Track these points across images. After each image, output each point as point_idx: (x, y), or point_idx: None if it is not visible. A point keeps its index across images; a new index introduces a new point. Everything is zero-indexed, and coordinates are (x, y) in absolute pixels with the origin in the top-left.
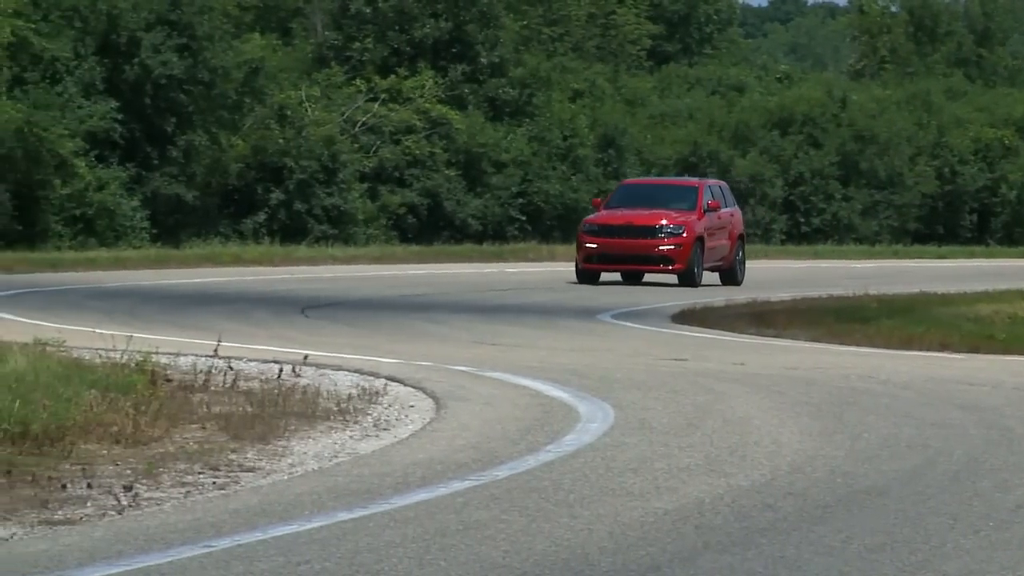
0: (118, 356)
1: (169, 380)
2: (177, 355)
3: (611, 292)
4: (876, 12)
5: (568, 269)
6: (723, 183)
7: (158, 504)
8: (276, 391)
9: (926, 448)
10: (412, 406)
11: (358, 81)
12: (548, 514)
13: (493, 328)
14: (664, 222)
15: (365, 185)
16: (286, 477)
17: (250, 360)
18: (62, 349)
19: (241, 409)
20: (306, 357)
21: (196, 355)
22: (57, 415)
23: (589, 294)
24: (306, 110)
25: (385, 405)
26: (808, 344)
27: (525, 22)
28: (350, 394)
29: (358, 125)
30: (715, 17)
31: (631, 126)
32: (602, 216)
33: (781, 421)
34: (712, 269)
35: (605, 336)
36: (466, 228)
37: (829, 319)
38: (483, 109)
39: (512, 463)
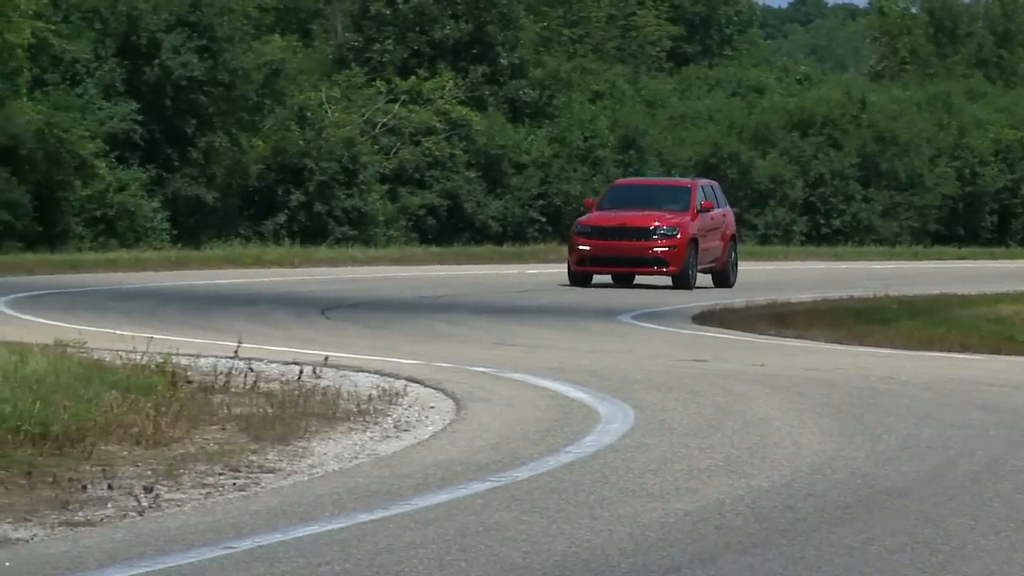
0: (138, 357)
1: (189, 381)
2: (197, 356)
3: (631, 293)
4: (896, 13)
5: None
6: (715, 183)
7: (178, 505)
8: (296, 392)
9: (946, 449)
10: (432, 407)
11: (378, 82)
12: (568, 515)
13: (513, 329)
14: (657, 223)
15: (385, 186)
16: (306, 478)
17: (270, 361)
18: (83, 350)
19: (261, 410)
20: (326, 358)
21: (216, 356)
22: (78, 416)
23: (608, 295)
24: (326, 111)
25: (405, 406)
26: (828, 345)
27: (545, 23)
28: (370, 395)
29: (378, 126)
30: (735, 18)
31: (651, 127)
32: (595, 217)
33: (801, 422)
34: (705, 271)
35: (625, 337)
36: (486, 229)
37: (849, 320)
38: (503, 110)
39: (532, 464)
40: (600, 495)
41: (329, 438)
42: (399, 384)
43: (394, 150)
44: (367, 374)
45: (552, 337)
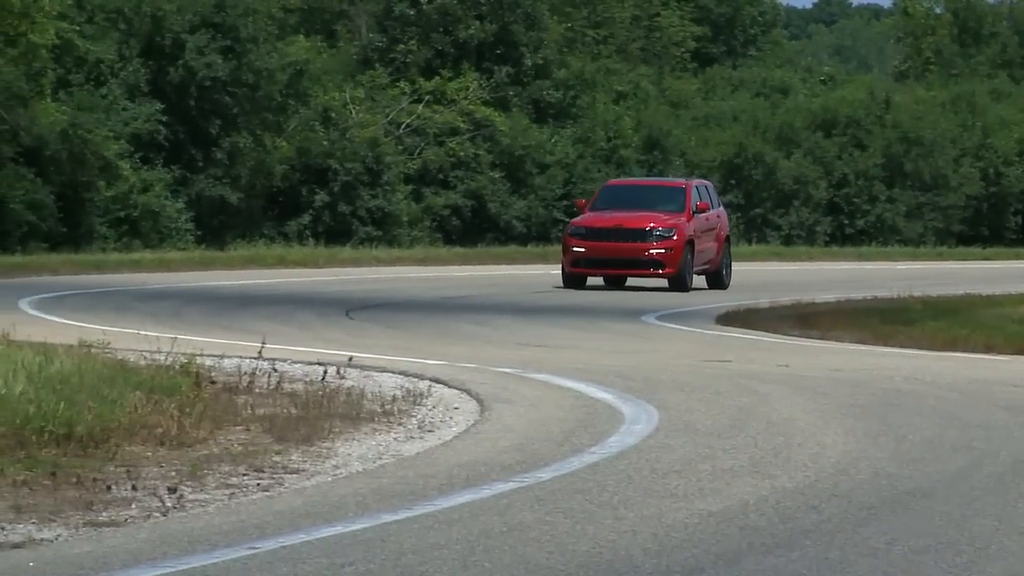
0: (163, 358)
1: (213, 382)
2: (222, 357)
3: (655, 294)
4: (920, 14)
5: None
6: (709, 183)
7: (202, 506)
8: (320, 393)
9: (971, 450)
10: (456, 408)
11: (402, 83)
12: (592, 516)
13: (537, 330)
14: (653, 225)
15: (409, 187)
16: (330, 479)
17: (294, 362)
18: (107, 351)
19: (285, 411)
20: (350, 359)
21: (240, 357)
22: (102, 417)
23: (633, 296)
24: (350, 112)
25: (429, 407)
26: (852, 346)
27: (569, 24)
28: (394, 396)
29: (402, 127)
30: (759, 19)
31: (675, 128)
32: (589, 218)
33: (825, 423)
34: (699, 272)
35: (649, 337)
36: (510, 230)
37: (874, 321)
38: (527, 111)
39: (556, 465)
40: (624, 496)
41: (353, 439)
42: (423, 385)
43: (418, 150)
44: (391, 375)
45: (576, 338)
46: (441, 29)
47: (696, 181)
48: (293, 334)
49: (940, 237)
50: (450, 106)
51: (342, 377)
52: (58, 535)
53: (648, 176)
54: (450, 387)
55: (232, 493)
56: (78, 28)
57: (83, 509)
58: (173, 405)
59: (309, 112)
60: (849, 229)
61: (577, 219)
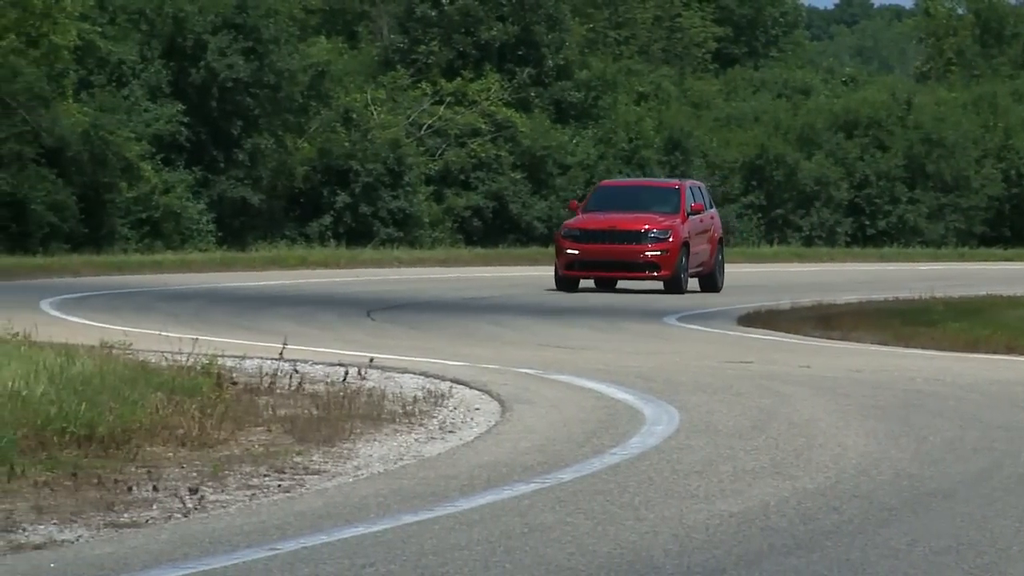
0: (184, 359)
1: (235, 383)
2: (243, 358)
3: (676, 295)
4: (942, 14)
5: None
6: (702, 184)
7: (223, 507)
8: (341, 394)
9: (992, 451)
10: (477, 409)
11: (423, 84)
12: (613, 517)
13: (558, 331)
14: (648, 226)
15: (430, 188)
16: (351, 480)
17: (315, 363)
18: (128, 352)
19: (306, 412)
20: (371, 360)
21: (262, 358)
22: (123, 418)
23: (654, 296)
24: (372, 113)
25: (450, 408)
26: (874, 347)
27: (591, 25)
28: (415, 397)
29: (423, 128)
30: (781, 20)
31: (697, 129)
32: (583, 220)
33: (846, 424)
34: (692, 275)
35: (671, 339)
36: (531, 230)
37: (895, 322)
38: (548, 112)
39: (577, 466)
40: (645, 497)
41: (374, 440)
42: (444, 386)
43: (439, 151)
44: (412, 376)
45: (597, 339)
46: (463, 30)
47: (690, 182)
48: (314, 335)
49: (962, 238)
50: (471, 107)
51: (363, 378)
52: (79, 536)
53: (641, 176)
54: (471, 388)
55: (253, 494)
56: (100, 29)
57: (104, 510)
58: (194, 406)
59: (331, 113)
60: (870, 230)
61: (570, 220)
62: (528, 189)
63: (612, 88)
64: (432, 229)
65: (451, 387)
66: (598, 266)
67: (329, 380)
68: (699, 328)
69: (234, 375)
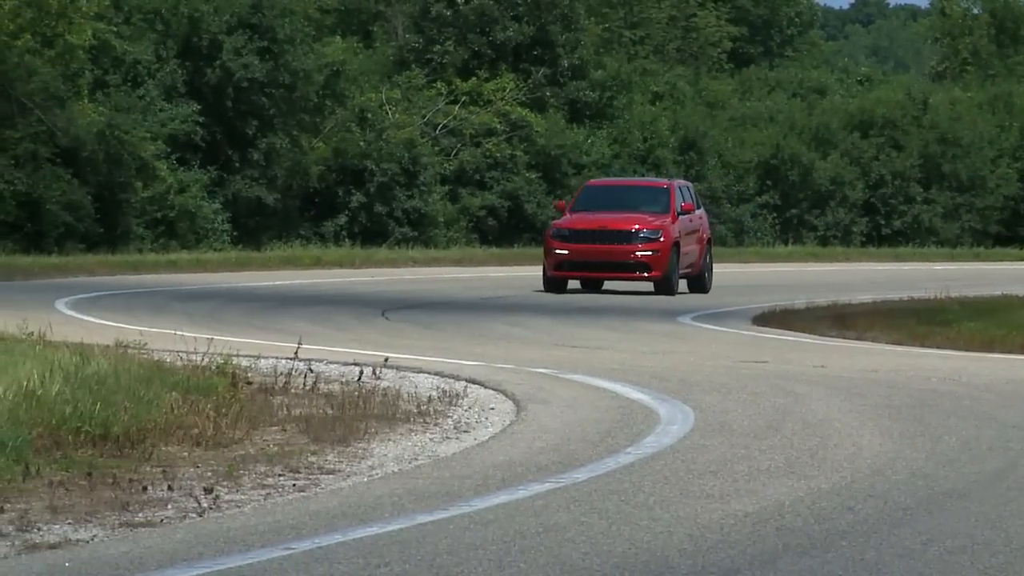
0: (199, 359)
1: (250, 383)
2: (258, 357)
3: (690, 295)
4: (958, 14)
5: None
6: (689, 183)
7: (238, 506)
8: (356, 393)
9: (1007, 451)
10: (492, 408)
11: (439, 84)
12: (628, 516)
13: (573, 331)
14: (638, 226)
15: (445, 187)
16: (366, 479)
17: (330, 362)
18: (143, 351)
19: (321, 411)
20: (386, 359)
21: (277, 357)
22: (138, 417)
23: (668, 296)
24: (387, 113)
25: (465, 407)
26: (889, 347)
27: (606, 25)
28: (430, 396)
29: (438, 128)
30: (796, 19)
31: (712, 129)
32: (572, 220)
33: (861, 423)
34: (681, 276)
35: (685, 338)
36: (546, 230)
37: (910, 321)
38: (563, 111)
39: (592, 465)
40: (660, 496)
41: (389, 439)
42: (459, 385)
43: (454, 151)
44: (427, 375)
45: (612, 338)
46: (478, 30)
47: (678, 181)
48: (329, 334)
49: (977, 238)
50: (486, 107)
51: (378, 378)
52: (94, 535)
53: (629, 176)
54: (486, 388)
55: (268, 493)
56: (115, 29)
57: (119, 509)
58: (209, 406)
59: (346, 113)
60: (886, 230)
61: (559, 220)
62: (543, 189)
63: (627, 88)
64: (447, 229)
65: (466, 387)
66: (588, 267)
67: (344, 380)
68: (714, 328)
69: (249, 375)
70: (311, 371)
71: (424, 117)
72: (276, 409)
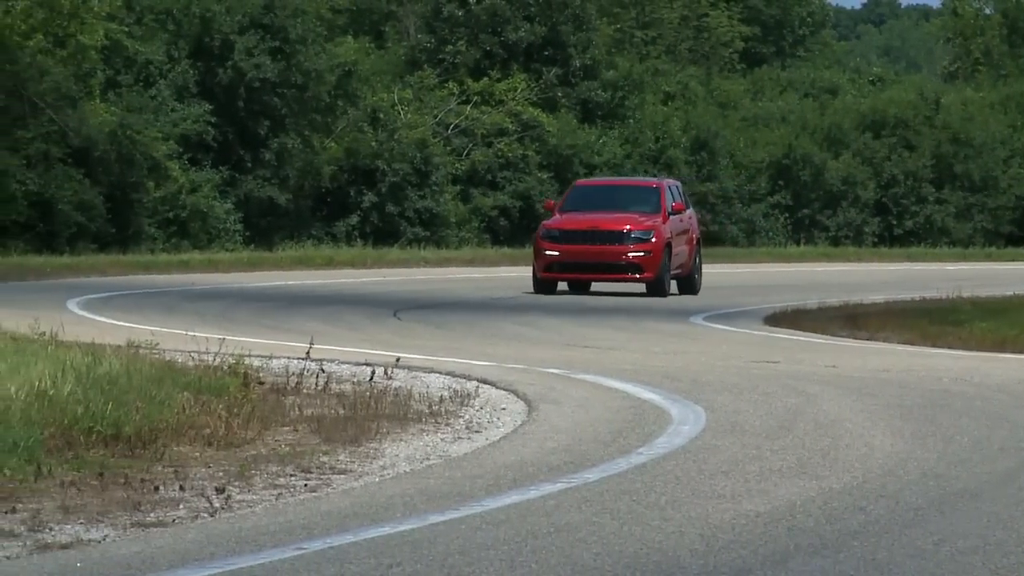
0: (211, 359)
1: (261, 383)
2: (270, 358)
3: (703, 295)
4: (970, 14)
5: None
6: (679, 183)
7: (250, 506)
8: (368, 394)
9: (1019, 451)
10: (504, 408)
11: (450, 84)
12: (639, 517)
13: (584, 331)
14: (630, 227)
15: (457, 187)
16: (378, 479)
17: (342, 362)
18: (155, 351)
19: (333, 411)
20: (398, 359)
21: (288, 358)
22: (150, 417)
23: (679, 296)
24: (398, 113)
25: (477, 407)
26: (901, 347)
27: (618, 25)
28: (442, 396)
29: (450, 128)
30: (808, 19)
31: (723, 129)
32: (563, 221)
33: (873, 424)
34: (671, 276)
35: (697, 338)
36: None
37: (922, 322)
38: (575, 112)
39: (604, 465)
40: (671, 496)
41: (400, 439)
42: (471, 386)
43: (466, 151)
44: (439, 375)
45: (623, 339)
46: (490, 30)
47: (668, 181)
48: (341, 335)
49: (989, 238)
50: (498, 107)
51: (390, 378)
52: (106, 535)
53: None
54: (497, 388)
55: (279, 493)
56: (127, 29)
57: (131, 510)
58: (221, 406)
59: (357, 113)
60: (898, 230)
61: (549, 221)
62: (555, 189)
63: (639, 88)
64: (458, 229)
65: (477, 387)
66: (578, 268)
67: (356, 380)
68: (725, 328)
69: (261, 375)
70: (323, 371)
71: (436, 117)
72: (288, 409)
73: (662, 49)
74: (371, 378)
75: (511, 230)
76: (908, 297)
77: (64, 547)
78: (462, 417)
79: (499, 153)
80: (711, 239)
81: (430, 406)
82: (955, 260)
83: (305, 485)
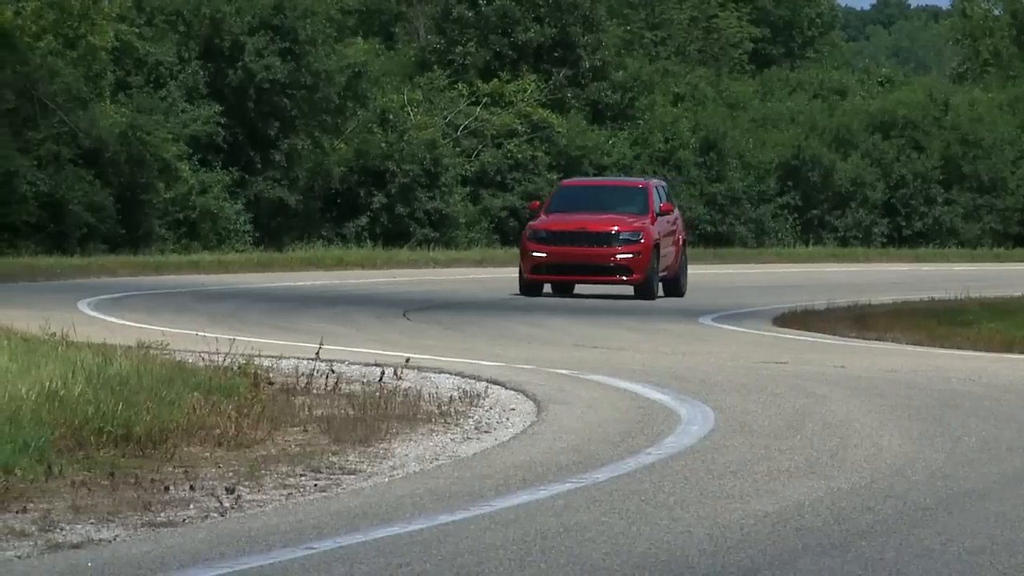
0: (221, 359)
1: (271, 383)
2: (279, 358)
3: (712, 295)
4: (979, 15)
5: None
6: (664, 183)
7: (260, 506)
8: (377, 394)
9: None
10: (513, 409)
11: (460, 85)
12: (648, 516)
13: (593, 331)
14: (617, 228)
15: (467, 188)
16: (387, 479)
17: (352, 363)
18: (165, 352)
19: (343, 412)
20: (407, 360)
21: (298, 358)
22: (160, 417)
23: (690, 297)
24: (408, 114)
25: (486, 408)
26: (909, 347)
27: (627, 26)
28: (451, 397)
29: (460, 129)
30: (817, 20)
31: (733, 129)
32: (550, 222)
33: (881, 424)
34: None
35: (706, 339)
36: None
37: (930, 322)
38: (585, 113)
39: (612, 465)
40: (680, 496)
41: (410, 439)
42: (480, 386)
43: (476, 152)
44: (448, 376)
45: (632, 339)
46: (499, 31)
47: (655, 181)
48: (350, 335)
49: (997, 239)
50: (508, 108)
51: (399, 378)
52: (116, 535)
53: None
54: (507, 388)
55: (289, 493)
56: (137, 30)
57: (141, 509)
58: (231, 406)
59: (367, 114)
60: (906, 231)
61: (536, 222)
62: None
63: (648, 89)
64: (468, 230)
65: (487, 387)
66: (567, 270)
67: (365, 380)
68: (734, 328)
69: (271, 375)
70: (332, 372)
71: (446, 118)
72: (298, 409)
73: (671, 50)
74: (381, 378)
75: (520, 231)
76: (916, 298)
77: (75, 547)
78: (471, 417)
79: (508, 154)
80: (720, 240)
81: (439, 406)
82: (963, 261)
83: (315, 485)
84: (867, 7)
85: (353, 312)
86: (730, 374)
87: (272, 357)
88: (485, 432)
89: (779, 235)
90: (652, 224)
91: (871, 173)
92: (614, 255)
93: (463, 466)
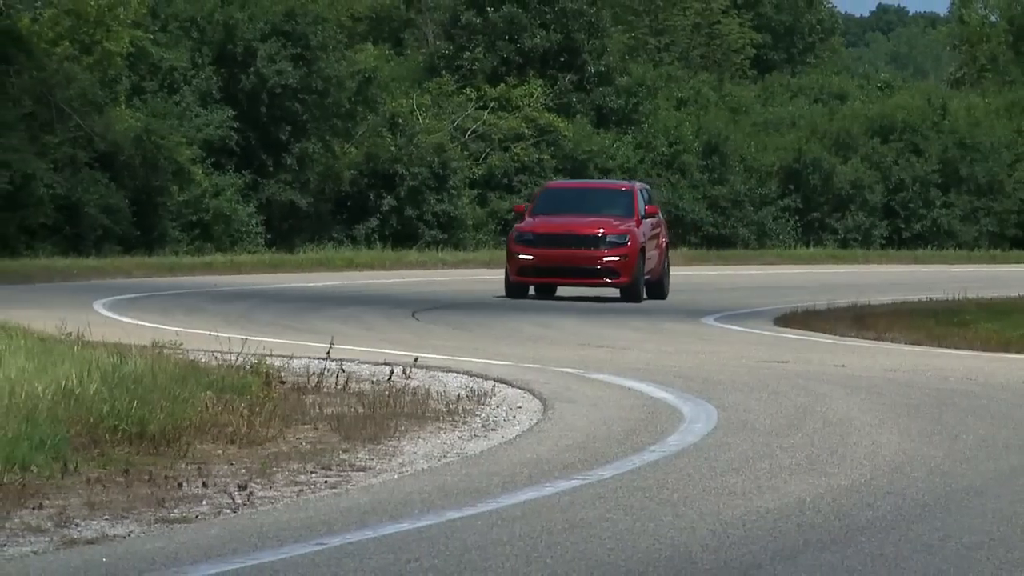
0: (233, 358)
1: (283, 382)
2: (291, 357)
3: (715, 296)
4: (976, 22)
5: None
6: (648, 186)
7: (271, 503)
8: (387, 393)
9: (1023, 449)
10: (520, 407)
11: (468, 90)
12: (652, 513)
13: (599, 331)
14: (603, 231)
15: (474, 191)
16: (396, 476)
17: (361, 362)
18: (179, 351)
19: (353, 410)
20: (416, 359)
21: (309, 357)
22: (174, 416)
23: (693, 297)
24: (417, 118)
25: (493, 406)
26: (908, 347)
27: (631, 32)
28: (459, 395)
29: (468, 133)
30: (818, 27)
31: (735, 133)
32: (537, 224)
33: (881, 422)
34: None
35: (709, 339)
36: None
37: (929, 322)
38: (590, 117)
39: (617, 463)
40: (684, 493)
41: (419, 437)
42: (487, 385)
43: (483, 156)
44: (456, 375)
45: (637, 339)
46: (506, 37)
47: (639, 184)
48: (360, 335)
49: (994, 241)
50: (515, 112)
51: (408, 377)
52: (130, 531)
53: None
54: (514, 387)
55: (300, 490)
56: (152, 36)
57: (155, 506)
58: (243, 404)
59: (377, 119)
60: (905, 233)
61: (522, 224)
62: None
63: (652, 94)
64: (475, 231)
65: (494, 386)
66: (553, 272)
67: (375, 379)
68: (736, 328)
69: (282, 374)
70: (343, 371)
71: (454, 122)
72: (308, 408)
73: (675, 56)
74: (390, 377)
75: None
76: (915, 298)
77: (90, 542)
78: (479, 415)
79: (515, 157)
80: (723, 241)
81: (447, 405)
82: (961, 262)
83: (325, 482)
84: (866, 14)
85: (363, 312)
86: (732, 373)
87: (283, 357)
88: (492, 430)
89: (780, 237)
90: (638, 227)
91: (871, 176)
92: (601, 258)
93: (471, 463)
